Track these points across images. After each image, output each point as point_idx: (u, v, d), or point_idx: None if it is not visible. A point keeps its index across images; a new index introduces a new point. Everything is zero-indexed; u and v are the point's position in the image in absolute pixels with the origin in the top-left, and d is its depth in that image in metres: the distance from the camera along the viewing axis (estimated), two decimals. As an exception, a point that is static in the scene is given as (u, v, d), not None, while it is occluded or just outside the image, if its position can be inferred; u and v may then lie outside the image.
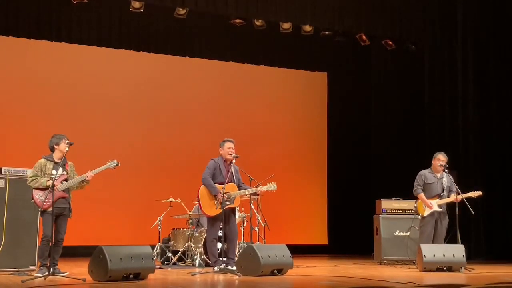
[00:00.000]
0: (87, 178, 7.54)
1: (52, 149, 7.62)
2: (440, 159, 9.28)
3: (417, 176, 9.38)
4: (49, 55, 12.46)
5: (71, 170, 7.66)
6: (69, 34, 12.42)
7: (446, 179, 9.27)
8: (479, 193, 9.16)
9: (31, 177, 7.49)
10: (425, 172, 9.37)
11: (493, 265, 10.01)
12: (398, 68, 14.14)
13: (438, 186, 9.22)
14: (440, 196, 9.17)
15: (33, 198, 7.42)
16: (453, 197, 9.07)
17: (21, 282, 6.62)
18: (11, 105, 12.00)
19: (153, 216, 10.17)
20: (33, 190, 7.45)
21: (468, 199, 9.03)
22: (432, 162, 9.35)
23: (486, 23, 12.46)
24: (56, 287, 6.43)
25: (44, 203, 7.32)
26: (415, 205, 9.43)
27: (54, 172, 7.47)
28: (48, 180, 7.37)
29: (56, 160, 7.56)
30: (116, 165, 7.67)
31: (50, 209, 7.32)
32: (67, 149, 7.48)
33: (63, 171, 7.56)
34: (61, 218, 7.52)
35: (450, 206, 9.18)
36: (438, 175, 9.29)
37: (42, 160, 7.55)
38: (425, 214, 9.16)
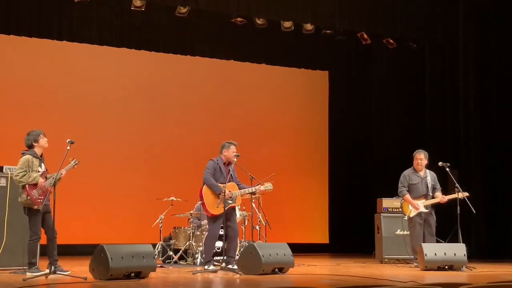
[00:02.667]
0: (62, 175, 7.38)
1: (31, 146, 7.47)
2: (418, 157, 9.24)
3: (401, 177, 9.33)
4: (50, 54, 12.46)
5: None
6: (70, 33, 12.42)
7: (430, 177, 9.24)
8: (466, 194, 9.05)
9: (20, 172, 7.31)
10: (408, 173, 9.33)
11: (494, 264, 10.00)
12: (399, 67, 14.14)
13: (423, 185, 9.22)
14: (426, 196, 9.15)
15: (29, 195, 7.25)
16: (439, 198, 9.07)
17: (22, 280, 6.63)
18: (12, 103, 12.00)
19: (154, 214, 10.17)
20: (28, 187, 7.28)
21: (458, 199, 8.99)
22: (413, 160, 9.31)
23: (487, 22, 12.44)
24: (58, 286, 6.44)
25: (39, 201, 7.25)
26: (400, 205, 9.40)
27: (39, 168, 7.38)
28: (38, 177, 7.28)
29: (39, 156, 7.47)
30: (76, 163, 7.45)
31: (41, 207, 7.25)
32: (68, 147, 7.31)
33: (44, 168, 7.49)
34: (49, 214, 7.39)
35: (452, 205, 9.18)
36: (421, 174, 9.26)
37: (29, 157, 7.42)
38: (411, 215, 9.17)
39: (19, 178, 7.33)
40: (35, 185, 7.31)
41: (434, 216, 9.25)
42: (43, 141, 7.49)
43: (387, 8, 12.42)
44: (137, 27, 12.87)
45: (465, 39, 12.56)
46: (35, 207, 7.25)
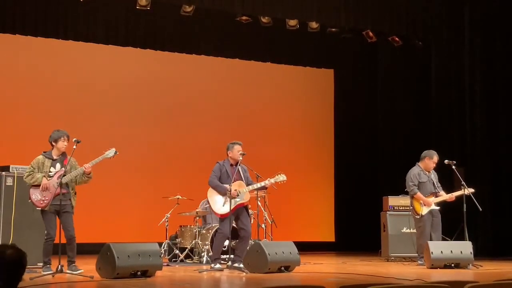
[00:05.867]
0: (85, 170, 7.31)
1: (51, 145, 7.47)
2: (435, 160, 9.41)
3: (410, 176, 9.40)
4: (56, 53, 12.47)
5: (71, 166, 7.42)
6: (76, 32, 12.42)
7: (434, 176, 9.42)
8: (471, 190, 9.12)
9: (27, 172, 7.35)
10: (417, 171, 9.43)
11: (501, 262, 9.98)
12: (405, 65, 14.10)
13: (430, 183, 9.36)
14: (434, 194, 9.24)
15: (30, 199, 7.30)
16: (447, 196, 9.17)
17: (29, 279, 6.65)
18: (18, 103, 12.03)
19: (160, 213, 10.18)
20: (30, 190, 7.31)
21: (463, 196, 9.02)
22: (425, 161, 9.40)
23: (493, 19, 12.40)
24: (64, 285, 6.45)
25: (41, 202, 7.26)
26: (412, 205, 9.42)
27: (52, 169, 7.36)
28: (44, 177, 7.26)
29: (54, 157, 7.43)
30: (115, 153, 7.45)
31: (49, 207, 7.25)
32: (74, 147, 7.33)
33: (61, 167, 7.40)
34: (65, 215, 7.31)
35: (458, 203, 9.18)
36: (428, 173, 9.36)
37: (40, 157, 7.42)
38: (423, 212, 9.23)
39: (24, 178, 7.41)
40: (39, 186, 7.29)
41: (440, 215, 9.32)
42: (61, 143, 7.39)
43: (392, 5, 12.39)
44: (142, 26, 12.86)
45: (471, 36, 12.51)
46: (39, 208, 7.27)
